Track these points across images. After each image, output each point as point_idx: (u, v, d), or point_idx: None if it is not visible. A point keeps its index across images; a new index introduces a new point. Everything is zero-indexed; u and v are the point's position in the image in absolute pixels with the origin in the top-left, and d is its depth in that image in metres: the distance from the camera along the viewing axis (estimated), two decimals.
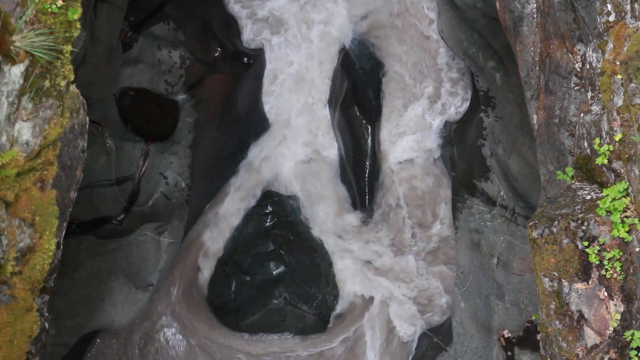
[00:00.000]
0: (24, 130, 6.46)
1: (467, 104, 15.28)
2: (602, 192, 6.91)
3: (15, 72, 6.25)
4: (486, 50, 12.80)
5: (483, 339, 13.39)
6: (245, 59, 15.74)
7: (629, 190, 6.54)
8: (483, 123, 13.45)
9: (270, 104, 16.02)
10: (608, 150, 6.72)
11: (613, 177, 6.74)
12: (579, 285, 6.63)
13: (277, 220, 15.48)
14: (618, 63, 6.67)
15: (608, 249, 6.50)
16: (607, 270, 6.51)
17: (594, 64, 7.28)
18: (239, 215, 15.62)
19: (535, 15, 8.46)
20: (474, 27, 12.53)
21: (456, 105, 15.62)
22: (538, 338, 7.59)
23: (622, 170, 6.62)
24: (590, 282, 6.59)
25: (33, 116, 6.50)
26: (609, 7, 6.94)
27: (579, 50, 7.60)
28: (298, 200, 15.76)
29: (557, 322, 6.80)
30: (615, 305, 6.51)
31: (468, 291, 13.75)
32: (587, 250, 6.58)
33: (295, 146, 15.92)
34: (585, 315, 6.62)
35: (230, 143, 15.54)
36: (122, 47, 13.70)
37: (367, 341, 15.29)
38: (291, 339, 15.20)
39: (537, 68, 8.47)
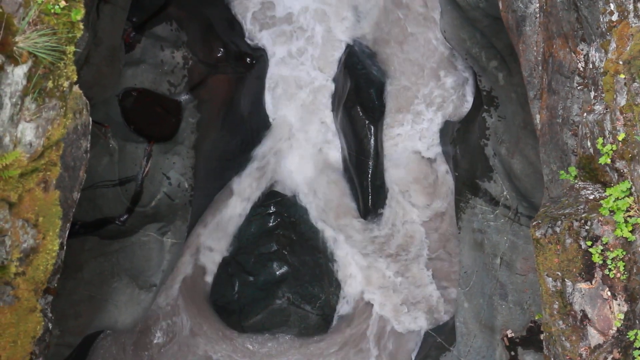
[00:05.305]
0: (27, 131, 6.47)
1: (470, 104, 15.28)
2: (605, 191, 6.90)
3: (19, 72, 6.26)
4: (489, 50, 12.80)
5: (486, 339, 13.38)
6: (248, 59, 15.74)
7: (633, 190, 6.53)
8: (486, 123, 13.44)
9: (273, 104, 16.03)
10: (611, 149, 6.71)
11: (616, 177, 6.74)
12: (583, 285, 6.63)
13: (281, 221, 15.49)
14: (621, 62, 6.66)
15: (611, 249, 6.49)
16: (610, 269, 6.51)
17: (597, 64, 7.28)
18: (242, 216, 15.62)
19: (538, 15, 8.45)
20: (477, 27, 12.53)
21: (459, 105, 15.61)
22: (541, 338, 7.59)
23: (625, 170, 6.61)
24: (593, 282, 6.59)
25: (36, 117, 6.50)
26: (612, 6, 6.94)
27: (582, 50, 7.60)
28: (301, 201, 15.76)
29: (561, 322, 6.80)
30: (619, 305, 6.50)
31: (471, 291, 13.74)
32: (590, 249, 6.57)
33: (298, 146, 15.92)
34: (589, 315, 6.61)
35: (233, 143, 15.55)
36: (125, 47, 13.71)
37: (370, 342, 15.28)
38: (294, 339, 15.21)
39: (540, 68, 8.46)
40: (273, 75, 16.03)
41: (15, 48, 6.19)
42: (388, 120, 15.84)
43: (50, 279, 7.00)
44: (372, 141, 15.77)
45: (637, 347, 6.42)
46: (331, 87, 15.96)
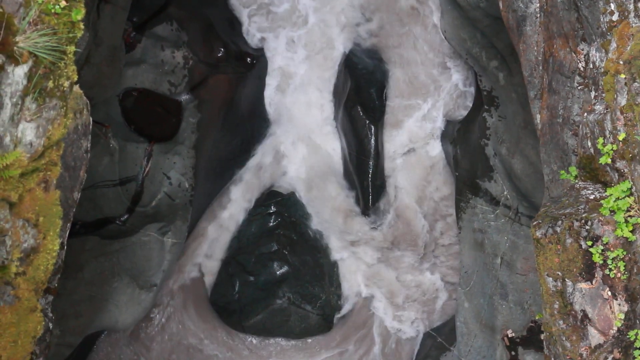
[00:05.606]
0: (28, 131, 6.47)
1: (470, 104, 15.27)
2: (605, 191, 6.90)
3: (19, 72, 6.26)
4: (489, 49, 12.80)
5: (487, 339, 13.38)
6: (249, 59, 15.74)
7: (633, 190, 6.53)
8: (486, 123, 13.44)
9: (274, 104, 16.03)
10: (612, 149, 6.71)
11: (617, 177, 6.73)
12: (583, 285, 6.62)
13: (281, 220, 15.48)
14: (621, 62, 6.66)
15: (612, 249, 6.49)
16: (610, 269, 6.50)
17: (597, 64, 7.27)
18: (242, 216, 15.63)
19: (538, 15, 8.45)
20: (477, 26, 12.53)
21: (459, 105, 15.61)
22: (542, 338, 7.59)
23: (625, 170, 6.61)
24: (594, 282, 6.58)
25: (37, 117, 6.51)
26: (612, 6, 6.93)
27: (583, 50, 7.60)
28: (301, 200, 15.76)
29: (561, 322, 6.79)
30: (619, 304, 6.50)
31: (472, 291, 13.74)
32: (590, 249, 6.57)
33: (298, 146, 15.92)
34: (589, 315, 6.61)
35: (234, 143, 15.55)
36: (125, 47, 13.70)
37: (370, 341, 15.28)
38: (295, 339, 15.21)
39: (541, 67, 8.46)
40: (273, 70, 16.04)
41: (15, 48, 6.19)
42: (388, 119, 15.84)
43: (50, 278, 7.00)
44: (372, 141, 15.76)
45: (638, 347, 6.42)
46: (332, 86, 15.96)
